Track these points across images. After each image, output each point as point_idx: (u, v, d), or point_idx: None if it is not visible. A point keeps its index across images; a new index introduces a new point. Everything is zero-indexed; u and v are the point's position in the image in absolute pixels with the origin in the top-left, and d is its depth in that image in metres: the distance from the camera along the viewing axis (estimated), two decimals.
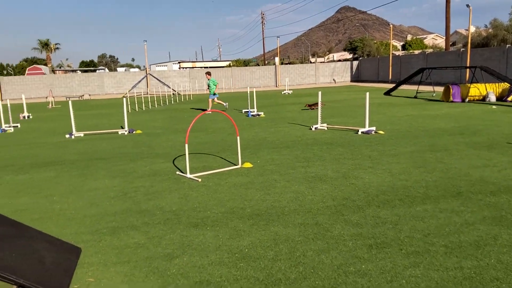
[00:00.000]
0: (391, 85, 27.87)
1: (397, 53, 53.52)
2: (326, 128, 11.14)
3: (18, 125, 15.05)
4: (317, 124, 11.34)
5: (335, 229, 4.30)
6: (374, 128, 10.19)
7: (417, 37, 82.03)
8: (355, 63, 44.16)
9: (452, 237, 4.00)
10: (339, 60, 60.82)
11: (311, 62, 64.44)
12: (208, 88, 17.39)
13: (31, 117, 18.70)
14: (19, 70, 56.82)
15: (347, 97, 22.39)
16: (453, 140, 8.78)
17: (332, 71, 43.00)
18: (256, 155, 8.09)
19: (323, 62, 63.39)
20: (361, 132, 10.07)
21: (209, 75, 17.99)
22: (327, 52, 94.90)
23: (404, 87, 25.96)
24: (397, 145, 8.49)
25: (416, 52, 52.75)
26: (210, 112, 14.59)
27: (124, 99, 12.73)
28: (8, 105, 15.11)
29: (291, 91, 30.13)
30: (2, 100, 21.85)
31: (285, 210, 4.94)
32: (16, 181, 6.86)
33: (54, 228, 4.69)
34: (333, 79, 42.79)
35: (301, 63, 67.72)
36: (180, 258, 3.80)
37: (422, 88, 23.32)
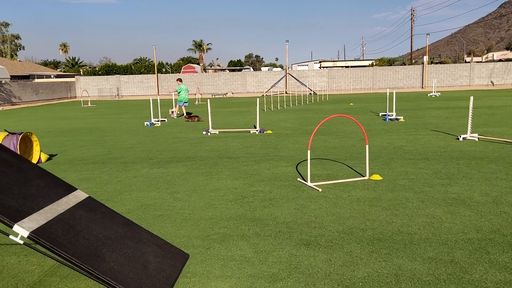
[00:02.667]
0: None
1: None
2: (477, 139, 9.65)
3: (166, 119, 16.43)
4: (466, 133, 9.90)
5: (476, 272, 3.47)
6: None
7: None
8: None
9: None
10: (500, 60, 53.79)
11: (465, 62, 58.33)
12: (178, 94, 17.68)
13: (179, 112, 20.33)
14: (176, 68, 62.99)
15: (507, 103, 19.43)
16: None
17: (490, 73, 38.11)
18: (387, 166, 7.30)
19: (480, 62, 56.77)
20: None
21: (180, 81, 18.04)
22: (486, 51, 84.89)
23: None
24: None
25: None
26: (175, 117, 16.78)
27: (258, 99, 12.89)
28: (158, 101, 16.59)
29: (439, 94, 27.52)
30: (158, 95, 24.62)
31: (415, 238, 4.21)
32: (150, 175, 7.30)
33: (170, 227, 4.75)
34: (491, 82, 37.89)
35: (453, 62, 61.76)
36: (284, 282, 3.44)
37: None
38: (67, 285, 3.51)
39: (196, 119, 15.79)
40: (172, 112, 18.21)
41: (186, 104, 17.80)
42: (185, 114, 17.31)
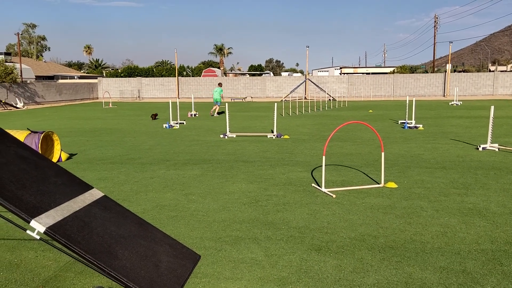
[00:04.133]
0: None
1: None
2: (497, 149, 9.47)
3: (184, 122, 16.61)
4: (487, 143, 9.74)
5: (488, 283, 3.42)
6: None
7: None
8: None
9: None
10: None
11: (490, 71, 57.26)
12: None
13: (197, 115, 20.52)
14: (197, 71, 63.60)
15: None
16: None
17: None
18: (403, 174, 7.24)
19: (505, 71, 55.61)
20: None
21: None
22: (511, 60, 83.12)
23: None
24: None
25: None
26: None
27: (276, 104, 12.93)
28: (177, 103, 16.79)
29: (461, 102, 27.09)
30: (178, 98, 24.96)
31: (427, 247, 4.17)
32: (166, 176, 7.40)
33: (184, 228, 4.81)
34: None
35: (477, 71, 60.71)
36: (294, 286, 3.46)
37: None
38: (81, 281, 3.60)
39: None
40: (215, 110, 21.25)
41: (218, 103, 20.73)
42: (214, 113, 20.90)
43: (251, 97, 37.58)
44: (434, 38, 58.15)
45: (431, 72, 52.09)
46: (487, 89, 37.52)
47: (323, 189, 6.22)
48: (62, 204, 3.49)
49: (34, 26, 71.50)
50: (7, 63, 33.83)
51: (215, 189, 6.51)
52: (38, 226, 3.13)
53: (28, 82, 34.21)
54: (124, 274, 3.13)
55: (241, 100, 35.76)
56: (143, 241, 3.70)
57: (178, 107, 16.84)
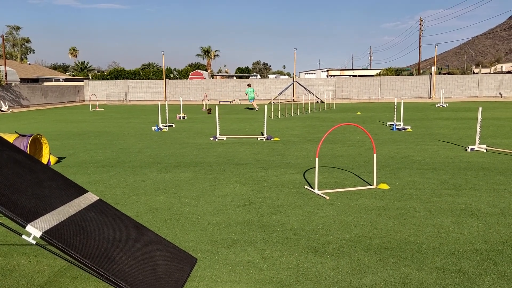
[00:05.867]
0: None
1: None
2: (485, 150, 9.62)
3: (173, 124, 16.52)
4: (475, 144, 9.88)
5: (484, 283, 3.47)
6: None
7: None
8: None
9: None
10: (509, 72, 53.58)
11: (473, 73, 58.15)
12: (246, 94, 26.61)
13: (186, 118, 20.43)
14: (184, 74, 63.36)
15: None
16: None
17: (498, 84, 37.99)
18: (395, 176, 7.30)
19: (489, 73, 56.54)
20: None
21: (248, 86, 26.43)
22: (495, 63, 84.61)
23: None
24: None
25: None
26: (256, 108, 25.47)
27: (266, 106, 12.95)
28: (166, 106, 16.70)
29: (447, 104, 27.46)
30: (166, 101, 24.94)
31: (422, 247, 4.21)
32: (158, 179, 7.35)
33: (179, 232, 4.78)
34: (499, 93, 37.76)
35: (462, 73, 61.65)
36: None
37: None
38: (77, 286, 3.55)
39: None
40: (255, 107, 26.03)
41: (252, 100, 25.65)
42: (256, 107, 25.89)
43: (239, 100, 37.56)
44: (419, 41, 58.89)
45: (416, 75, 52.71)
46: (472, 91, 38.10)
47: (316, 191, 6.24)
48: (58, 208, 3.43)
49: (18, 28, 70.51)
50: None
51: (208, 192, 6.48)
52: (34, 230, 3.08)
53: (13, 84, 33.67)
54: (122, 279, 3.10)
55: (229, 103, 35.71)
56: (140, 245, 3.66)
57: (167, 110, 16.75)
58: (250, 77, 66.20)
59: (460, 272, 3.67)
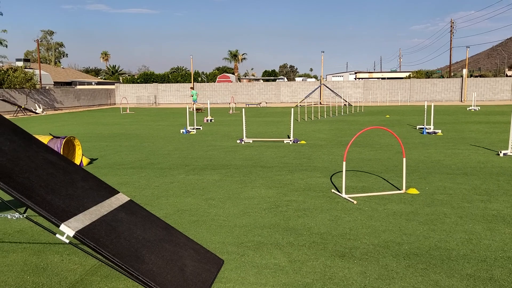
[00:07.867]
0: None
1: None
2: None
3: (201, 127, 16.71)
4: (507, 149, 9.58)
5: None
6: None
7: None
8: None
9: None
10: None
11: (506, 76, 56.40)
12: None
13: (213, 120, 20.61)
14: (211, 77, 64.03)
15: None
16: None
17: None
18: (425, 180, 7.16)
19: None
20: None
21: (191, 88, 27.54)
22: None
23: None
24: None
25: None
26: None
27: (292, 109, 12.92)
28: (194, 109, 16.90)
29: (479, 108, 26.73)
30: (194, 104, 25.43)
31: (452, 254, 4.12)
32: (186, 181, 7.45)
33: (206, 233, 4.84)
34: None
35: (494, 76, 59.88)
36: None
37: None
38: (107, 285, 3.64)
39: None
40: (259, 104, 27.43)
41: (195, 101, 26.08)
42: (195, 109, 24.20)
43: (266, 102, 37.63)
44: (450, 43, 57.54)
45: (447, 77, 51.52)
46: (505, 94, 36.96)
47: (343, 195, 6.19)
48: (90, 208, 3.54)
49: (52, 33, 72.80)
50: (26, 70, 34.52)
51: (235, 194, 6.53)
52: (67, 230, 3.18)
53: (47, 88, 34.82)
54: (152, 278, 3.16)
55: (256, 106, 35.83)
56: (168, 245, 3.73)
57: (194, 113, 16.95)
58: (277, 80, 66.21)
59: (492, 279, 3.57)
